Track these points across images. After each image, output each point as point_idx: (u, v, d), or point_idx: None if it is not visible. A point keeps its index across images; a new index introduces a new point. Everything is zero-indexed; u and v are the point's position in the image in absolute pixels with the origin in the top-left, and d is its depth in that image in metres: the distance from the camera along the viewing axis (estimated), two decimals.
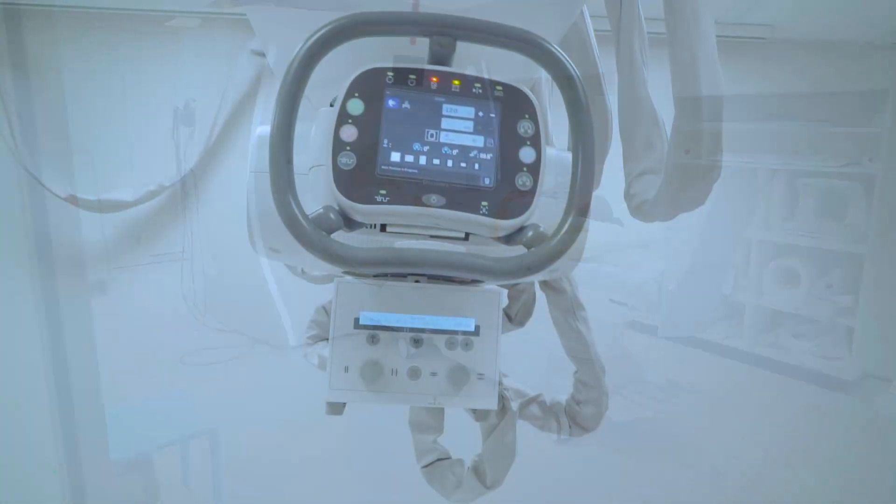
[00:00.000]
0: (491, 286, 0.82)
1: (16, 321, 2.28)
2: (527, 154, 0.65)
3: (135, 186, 2.31)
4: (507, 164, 0.65)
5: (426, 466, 1.15)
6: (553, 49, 0.65)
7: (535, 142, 0.65)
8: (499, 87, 0.66)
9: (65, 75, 2.48)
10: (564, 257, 0.78)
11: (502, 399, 1.14)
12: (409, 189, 0.63)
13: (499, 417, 1.13)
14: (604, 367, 1.15)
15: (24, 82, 2.34)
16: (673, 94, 0.84)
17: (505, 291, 1.15)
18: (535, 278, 1.07)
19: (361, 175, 0.62)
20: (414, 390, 0.79)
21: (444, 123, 0.66)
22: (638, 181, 0.97)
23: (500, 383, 1.18)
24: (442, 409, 1.17)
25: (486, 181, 0.65)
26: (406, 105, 0.65)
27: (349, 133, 0.63)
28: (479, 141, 0.65)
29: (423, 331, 0.80)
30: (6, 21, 2.36)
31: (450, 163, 0.64)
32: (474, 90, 0.66)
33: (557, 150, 0.83)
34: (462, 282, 0.81)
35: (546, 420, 1.20)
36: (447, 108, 0.66)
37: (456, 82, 0.66)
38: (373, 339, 0.79)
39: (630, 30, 0.97)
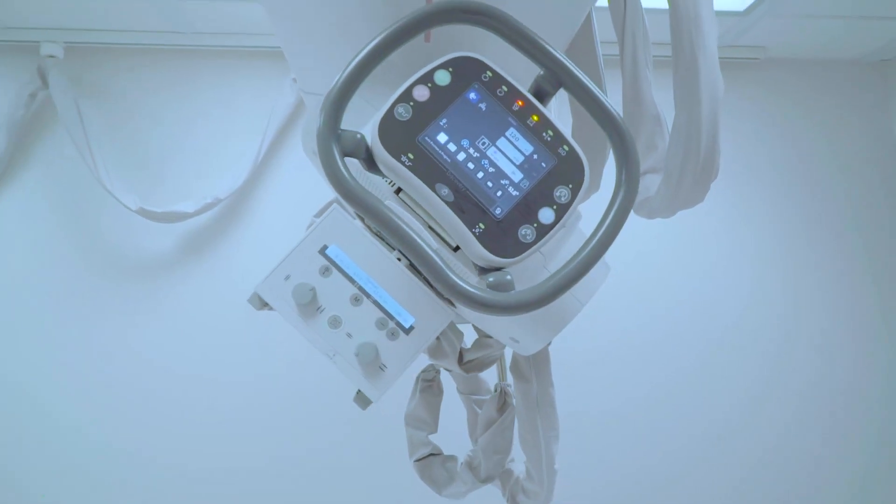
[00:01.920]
0: (450, 309, 0.79)
1: (95, 322, 2.54)
2: (546, 215, 0.62)
3: (195, 199, 2.47)
4: (525, 210, 0.62)
5: (419, 460, 1.15)
6: (630, 143, 0.64)
7: (562, 210, 0.63)
8: (565, 147, 0.64)
9: (136, 103, 2.66)
10: (526, 331, 0.81)
11: (504, 396, 1.11)
12: (431, 169, 0.61)
13: (499, 413, 1.10)
14: (556, 471, 1.07)
15: (101, 110, 2.65)
16: (674, 95, 0.83)
17: (466, 325, 1.12)
18: (500, 338, 0.98)
19: (404, 131, 0.61)
20: (323, 335, 0.76)
21: (500, 143, 0.63)
22: (641, 179, 0.94)
23: (508, 383, 1.13)
24: (438, 408, 1.19)
25: (497, 211, 0.62)
26: (482, 106, 0.63)
27: (421, 93, 0.62)
28: (516, 176, 0.63)
29: (368, 296, 0.77)
30: (86, 57, 2.64)
31: (480, 174, 0.62)
32: (544, 135, 0.64)
33: (579, 227, 0.82)
34: (436, 292, 0.78)
35: (474, 485, 1.17)
36: (511, 133, 0.64)
37: (535, 118, 0.64)
38: (325, 272, 0.76)
39: (634, 32, 0.94)
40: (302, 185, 2.57)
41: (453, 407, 1.29)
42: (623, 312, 2.62)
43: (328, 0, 0.74)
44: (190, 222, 2.57)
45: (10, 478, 2.44)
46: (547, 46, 0.64)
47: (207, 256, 2.61)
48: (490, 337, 1.07)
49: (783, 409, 2.67)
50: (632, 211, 1.02)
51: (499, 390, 1.13)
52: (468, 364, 1.10)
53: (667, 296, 2.68)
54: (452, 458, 1.21)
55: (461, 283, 0.58)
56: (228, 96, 2.67)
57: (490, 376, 1.24)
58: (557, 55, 0.64)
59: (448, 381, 1.26)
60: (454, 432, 1.28)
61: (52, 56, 2.53)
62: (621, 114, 0.87)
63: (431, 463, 1.17)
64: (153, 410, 2.49)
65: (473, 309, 0.59)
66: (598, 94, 0.64)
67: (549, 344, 0.98)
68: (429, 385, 1.20)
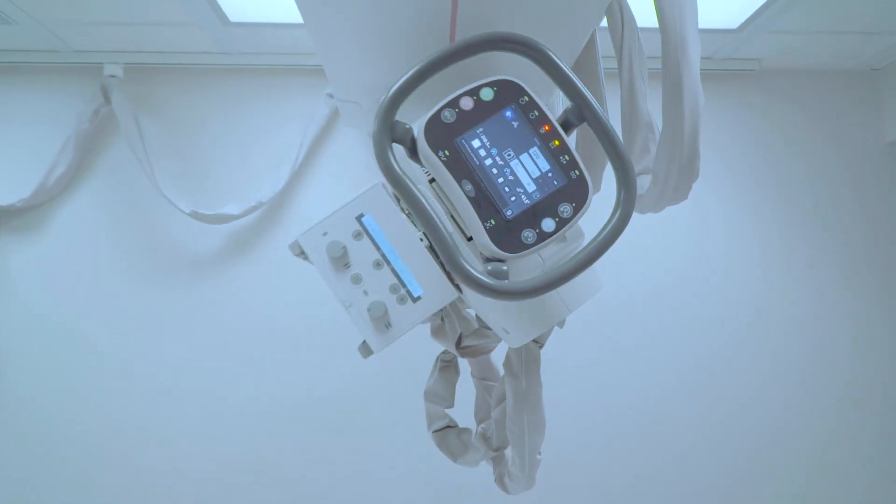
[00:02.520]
0: (455, 291, 0.87)
1: (152, 310, 2.81)
2: (548, 224, 0.69)
3: (240, 202, 2.69)
4: (531, 217, 0.69)
5: (436, 431, 1.20)
6: (632, 176, 0.71)
7: (562, 223, 0.69)
8: (577, 172, 0.71)
9: (188, 117, 2.90)
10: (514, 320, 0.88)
11: None
12: (460, 167, 0.69)
13: None
14: (539, 460, 1.11)
15: (158, 124, 2.91)
16: (662, 108, 0.92)
17: (470, 313, 1.19)
18: (494, 327, 1.03)
19: (446, 131, 0.69)
20: (345, 288, 0.85)
21: (523, 157, 0.70)
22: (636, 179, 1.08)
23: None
24: (454, 385, 1.25)
25: (508, 212, 0.69)
26: (514, 124, 0.71)
27: (466, 103, 0.70)
28: (531, 187, 0.70)
29: (388, 263, 0.86)
30: (144, 77, 2.89)
31: (500, 180, 0.69)
32: (561, 158, 0.71)
33: (581, 238, 0.88)
34: (447, 274, 0.86)
35: (487, 454, 1.21)
36: (534, 151, 0.71)
37: (556, 143, 0.71)
38: (357, 236, 0.86)
39: (630, 49, 1.02)
40: (335, 188, 2.87)
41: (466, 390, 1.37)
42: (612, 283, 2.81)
43: (361, 28, 0.81)
44: (236, 223, 2.81)
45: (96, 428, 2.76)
46: (578, 84, 0.71)
47: (252, 253, 2.87)
48: (489, 329, 1.13)
49: (751, 376, 2.91)
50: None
51: None
52: (464, 349, 1.17)
53: (656, 275, 2.94)
54: (467, 430, 1.27)
55: (464, 263, 0.67)
56: (269, 110, 2.90)
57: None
58: (585, 93, 0.71)
59: (464, 367, 1.34)
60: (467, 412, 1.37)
61: (113, 76, 2.80)
62: (620, 126, 1.00)
63: (448, 434, 1.23)
64: (206, 381, 2.79)
65: (469, 287, 0.67)
66: (612, 133, 0.71)
67: (542, 347, 1.08)
68: (447, 365, 1.26)
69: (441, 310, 1.02)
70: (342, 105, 1.06)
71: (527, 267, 0.83)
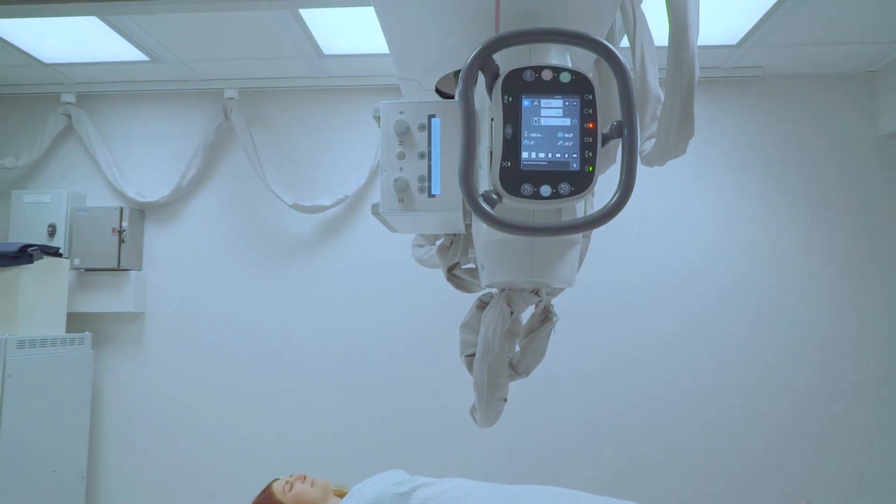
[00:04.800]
0: (460, 205, 0.96)
1: (262, 283, 3.43)
2: (545, 190, 0.76)
3: (330, 195, 3.21)
4: (537, 178, 0.76)
5: (467, 356, 1.24)
6: (633, 180, 0.76)
7: (555, 196, 0.76)
8: (590, 168, 0.77)
9: (290, 128, 3.49)
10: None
11: (546, 311, 1.22)
12: (513, 114, 0.77)
13: (540, 323, 1.20)
14: (503, 405, 1.16)
15: (266, 134, 3.53)
16: (665, 80, 1.01)
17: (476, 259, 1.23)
18: (477, 258, 1.10)
19: (520, 85, 0.77)
20: (390, 156, 0.97)
21: (559, 135, 0.77)
22: (647, 142, 1.15)
23: (552, 303, 1.22)
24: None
25: (523, 164, 0.76)
26: (570, 110, 0.78)
27: (547, 75, 0.77)
28: (551, 158, 0.77)
29: (430, 160, 0.97)
30: (255, 98, 3.52)
31: (533, 140, 0.77)
32: (587, 152, 0.78)
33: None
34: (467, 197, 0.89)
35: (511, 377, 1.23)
36: (570, 136, 0.77)
37: (590, 140, 0.78)
38: (421, 127, 0.97)
39: (642, 42, 1.13)
40: None
41: None
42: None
43: (418, 15, 0.91)
44: (327, 212, 3.38)
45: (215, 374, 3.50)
46: (634, 109, 0.78)
47: (340, 236, 3.44)
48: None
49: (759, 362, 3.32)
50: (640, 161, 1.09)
51: (542, 307, 1.21)
52: (452, 276, 1.25)
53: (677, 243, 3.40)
54: None
55: (471, 177, 0.74)
56: (353, 121, 3.45)
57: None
58: (635, 118, 0.78)
59: None
60: None
61: (231, 98, 3.41)
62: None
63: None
64: (302, 336, 3.43)
65: (464, 196, 0.74)
66: (636, 154, 0.78)
67: (513, 314, 1.11)
68: (483, 304, 1.29)
69: (454, 235, 1.21)
70: (404, 83, 1.16)
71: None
